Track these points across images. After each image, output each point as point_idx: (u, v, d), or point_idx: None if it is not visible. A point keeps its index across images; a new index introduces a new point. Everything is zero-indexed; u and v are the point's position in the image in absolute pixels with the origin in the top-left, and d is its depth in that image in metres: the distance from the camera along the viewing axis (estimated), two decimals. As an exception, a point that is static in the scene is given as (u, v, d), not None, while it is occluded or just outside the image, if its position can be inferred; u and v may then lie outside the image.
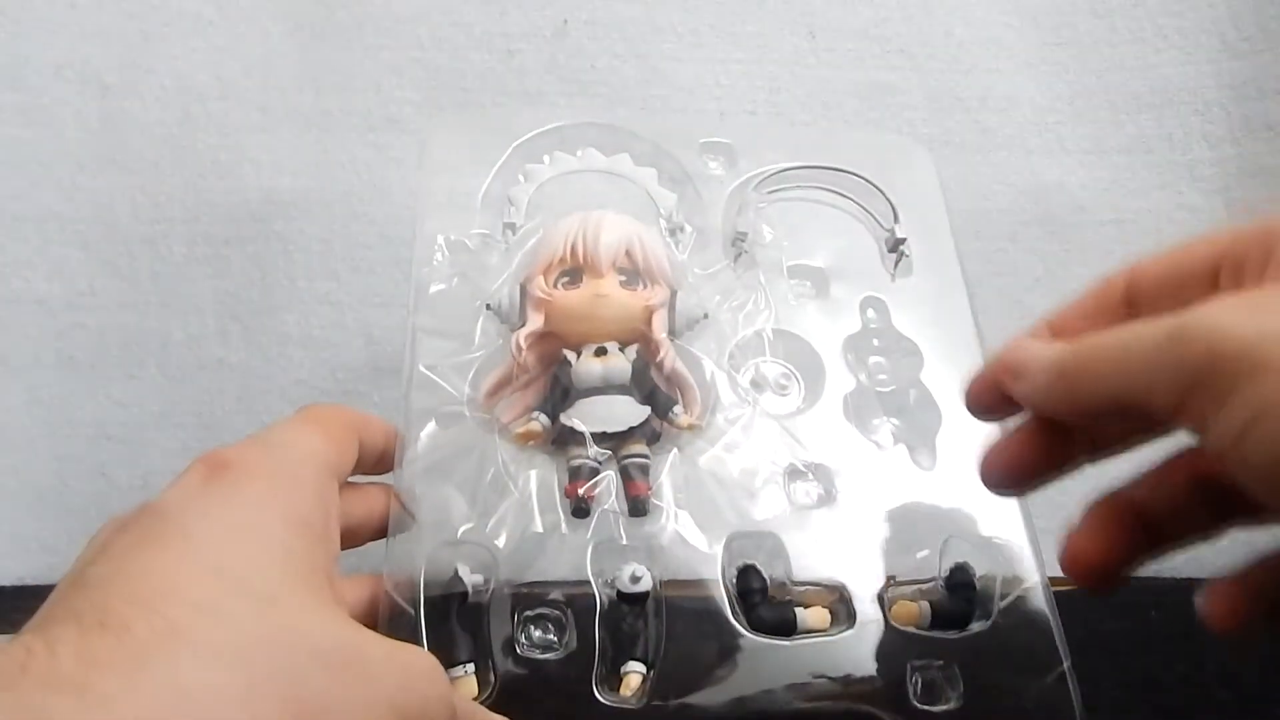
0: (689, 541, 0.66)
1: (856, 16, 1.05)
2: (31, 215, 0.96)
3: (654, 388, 0.70)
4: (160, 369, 0.93)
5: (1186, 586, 0.89)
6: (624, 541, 0.66)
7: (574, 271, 0.71)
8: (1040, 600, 0.67)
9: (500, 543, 0.65)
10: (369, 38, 1.02)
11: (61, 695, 0.39)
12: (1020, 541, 0.68)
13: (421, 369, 0.69)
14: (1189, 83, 1.03)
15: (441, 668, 0.51)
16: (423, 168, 0.78)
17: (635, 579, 0.64)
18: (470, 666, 0.61)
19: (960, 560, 0.68)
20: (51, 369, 0.93)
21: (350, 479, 0.62)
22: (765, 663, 0.64)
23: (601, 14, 1.03)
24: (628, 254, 0.72)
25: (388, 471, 0.65)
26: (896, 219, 0.78)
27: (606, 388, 0.69)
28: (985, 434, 0.71)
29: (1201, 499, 0.55)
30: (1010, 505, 0.69)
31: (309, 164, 0.98)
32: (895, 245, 0.78)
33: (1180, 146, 1.02)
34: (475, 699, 0.60)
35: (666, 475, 0.68)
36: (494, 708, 0.57)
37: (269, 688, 0.43)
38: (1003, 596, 0.67)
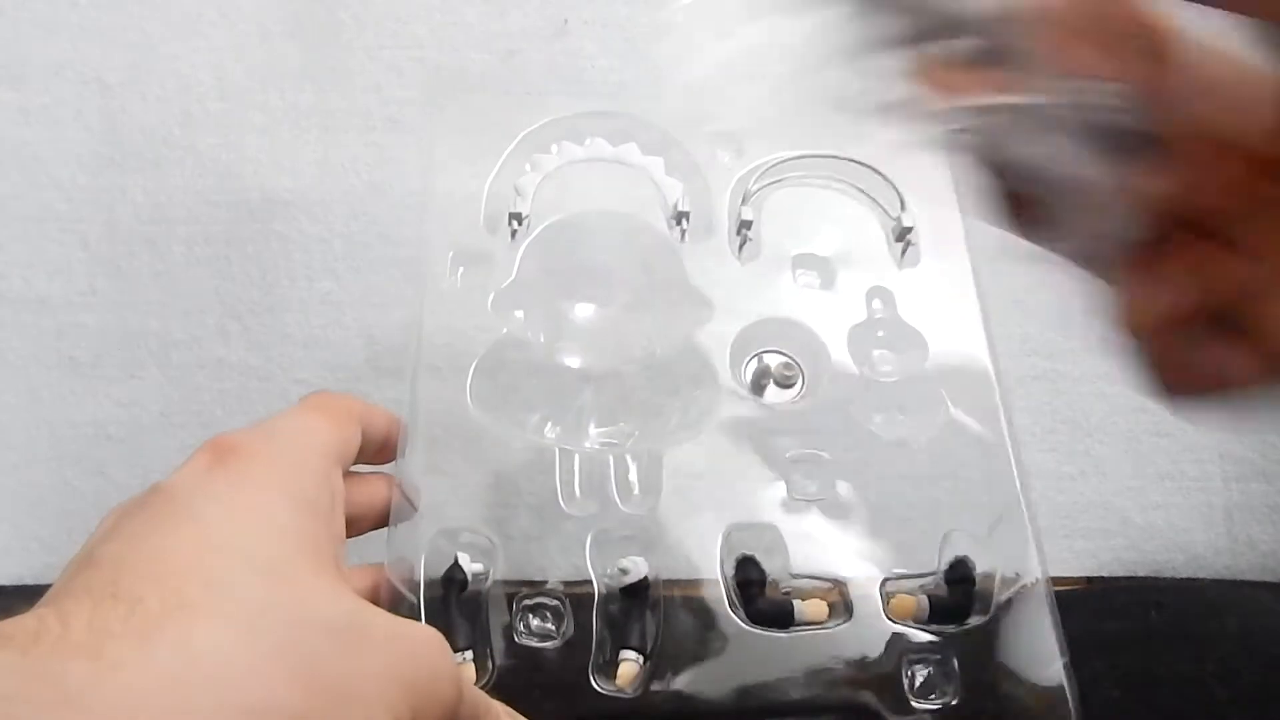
0: (688, 533, 0.66)
1: (856, 16, 1.06)
2: (31, 215, 0.96)
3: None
4: (160, 369, 0.93)
5: (1186, 586, 0.90)
6: (623, 532, 0.66)
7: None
8: (1039, 596, 0.67)
9: (500, 532, 0.65)
10: (369, 38, 1.02)
11: (75, 660, 0.40)
12: (1021, 536, 0.68)
13: (425, 359, 0.69)
14: (1189, 82, 1.03)
15: (447, 644, 0.51)
16: (429, 158, 0.78)
17: (632, 570, 0.64)
18: (469, 653, 0.62)
19: (960, 554, 0.68)
20: (51, 369, 0.92)
21: (353, 468, 0.62)
22: (762, 654, 0.64)
23: (601, 14, 1.03)
24: None
25: (390, 461, 0.66)
26: (903, 207, 0.78)
27: None
28: (987, 426, 0.72)
29: None
30: (1012, 500, 0.69)
31: (309, 164, 0.98)
32: (902, 234, 0.78)
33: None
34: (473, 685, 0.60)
35: (666, 466, 0.68)
36: (492, 694, 0.57)
37: (278, 657, 0.43)
38: (1002, 592, 0.67)
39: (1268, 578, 0.91)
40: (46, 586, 0.47)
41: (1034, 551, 0.68)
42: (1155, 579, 0.91)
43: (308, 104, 1.00)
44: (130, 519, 0.50)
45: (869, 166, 0.80)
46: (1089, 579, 0.90)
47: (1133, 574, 0.91)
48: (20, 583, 0.87)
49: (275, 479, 0.54)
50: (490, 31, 1.03)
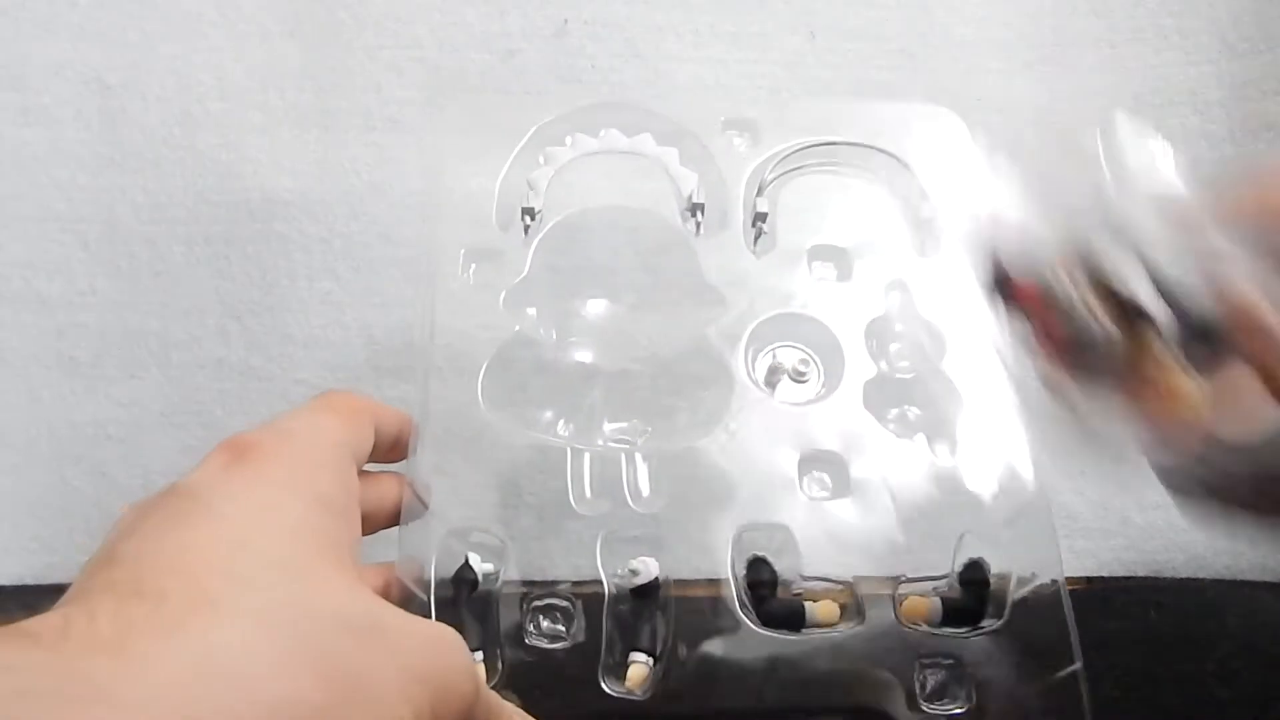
0: (699, 533, 0.66)
1: (856, 16, 1.05)
2: (31, 215, 0.95)
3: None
4: (160, 369, 0.93)
5: (1186, 587, 0.90)
6: (633, 533, 0.66)
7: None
8: (1055, 599, 0.66)
9: (511, 532, 0.65)
10: (369, 38, 1.02)
11: (100, 656, 0.40)
12: (1037, 539, 0.68)
13: (436, 358, 0.69)
14: (1189, 83, 1.03)
15: (464, 641, 0.52)
16: (436, 156, 0.77)
17: (642, 571, 0.64)
18: (479, 654, 0.62)
19: (975, 556, 0.68)
20: (51, 369, 0.92)
21: (364, 467, 0.62)
22: (773, 656, 0.64)
23: (601, 14, 1.03)
24: None
25: (401, 460, 0.66)
26: (924, 195, 0.78)
27: None
28: (1008, 426, 0.72)
29: None
30: (1029, 501, 0.69)
31: (309, 164, 0.98)
32: (922, 223, 0.77)
33: (1180, 146, 1.02)
34: (482, 685, 0.60)
35: (677, 465, 0.68)
36: (501, 695, 0.57)
37: (298, 652, 0.44)
38: (1016, 595, 0.67)
39: (1268, 578, 0.91)
40: (47, 586, 0.48)
41: (1050, 552, 0.68)
42: (1155, 579, 0.91)
43: (308, 104, 1.00)
44: (149, 518, 0.50)
45: (889, 154, 0.80)
46: (1089, 579, 0.91)
47: (1133, 574, 0.91)
48: (20, 583, 0.87)
49: (292, 477, 0.54)
50: (490, 31, 1.03)
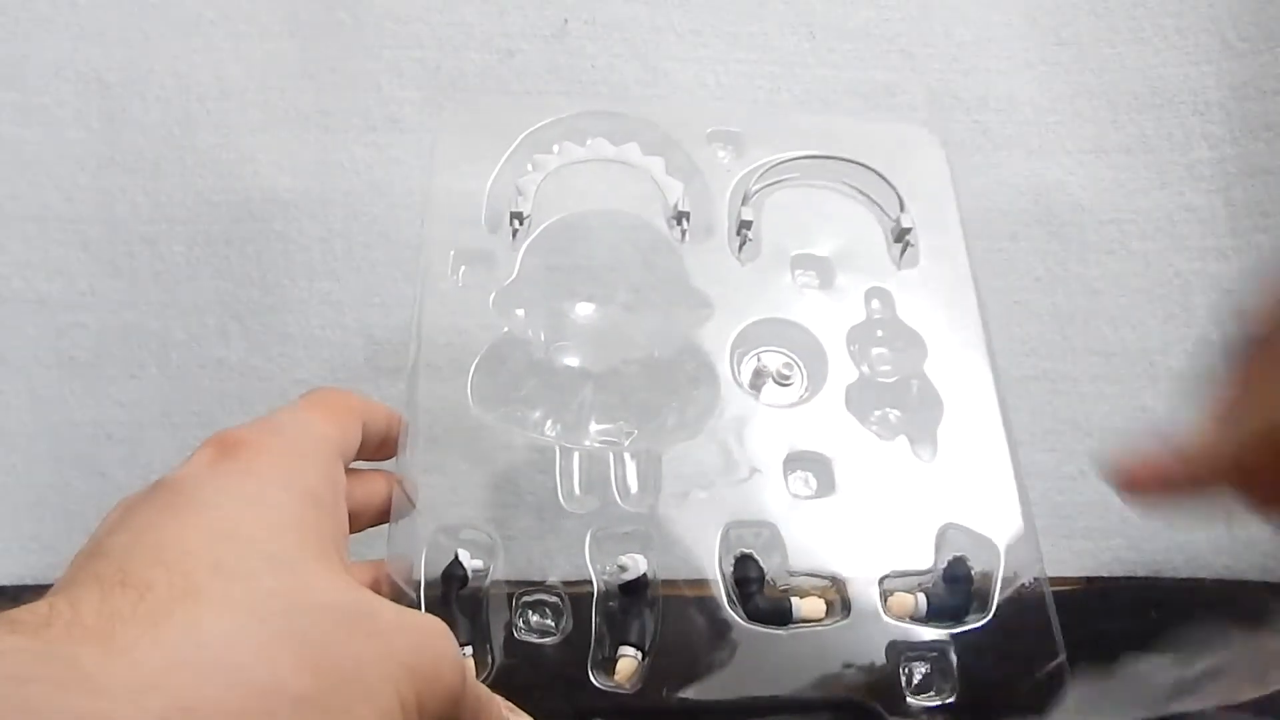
0: (687, 530, 0.67)
1: (856, 16, 1.06)
2: (31, 215, 0.96)
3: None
4: (160, 369, 0.93)
5: (1186, 586, 0.90)
6: (622, 530, 0.66)
7: None
8: (1037, 594, 0.67)
9: (500, 529, 0.65)
10: (369, 38, 1.02)
11: (86, 645, 0.40)
12: (1019, 535, 0.68)
13: (426, 358, 0.70)
14: (1189, 83, 1.03)
15: (451, 633, 0.52)
16: (430, 158, 0.78)
17: (630, 568, 0.64)
18: (469, 649, 0.62)
19: (958, 553, 0.68)
20: (51, 369, 0.93)
21: (353, 465, 0.62)
22: (760, 652, 0.64)
23: (601, 14, 1.04)
24: None
25: (390, 457, 0.66)
26: (902, 208, 0.78)
27: None
28: (985, 426, 0.72)
29: None
30: (1010, 499, 0.70)
31: (309, 164, 0.98)
32: (900, 235, 0.78)
33: (1180, 146, 1.02)
34: (473, 680, 0.61)
35: (665, 464, 0.68)
36: (491, 690, 0.57)
37: (285, 641, 0.44)
38: (1000, 590, 0.67)
39: (1268, 578, 0.91)
40: (46, 586, 0.47)
41: (1032, 550, 0.68)
42: (1155, 579, 0.91)
43: (308, 104, 1.00)
44: (137, 511, 0.50)
45: (868, 167, 0.80)
46: (1089, 579, 0.90)
47: (1133, 574, 0.91)
48: (20, 583, 0.87)
49: (280, 473, 0.54)
50: (490, 31, 1.03)
